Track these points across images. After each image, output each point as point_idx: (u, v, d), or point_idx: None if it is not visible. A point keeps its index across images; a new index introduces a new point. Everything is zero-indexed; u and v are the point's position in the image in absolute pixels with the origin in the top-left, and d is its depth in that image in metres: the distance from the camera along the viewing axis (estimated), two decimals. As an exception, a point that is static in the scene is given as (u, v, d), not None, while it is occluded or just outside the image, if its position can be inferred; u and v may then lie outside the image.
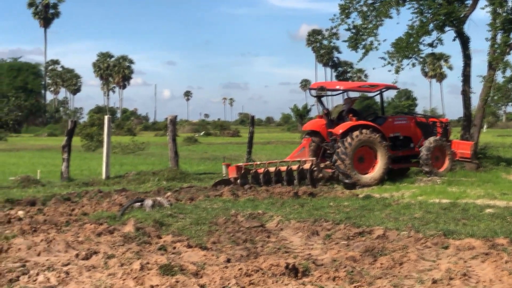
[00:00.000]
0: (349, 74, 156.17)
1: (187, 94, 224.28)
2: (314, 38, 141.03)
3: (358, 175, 18.42)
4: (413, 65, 23.92)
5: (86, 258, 8.44)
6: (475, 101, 24.13)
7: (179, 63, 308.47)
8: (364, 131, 18.55)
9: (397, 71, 23.14)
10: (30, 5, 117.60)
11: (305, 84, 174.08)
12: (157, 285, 6.91)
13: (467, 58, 23.64)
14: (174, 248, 9.24)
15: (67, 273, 7.40)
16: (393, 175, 19.45)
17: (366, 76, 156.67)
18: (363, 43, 23.21)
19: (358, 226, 11.05)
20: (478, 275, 7.72)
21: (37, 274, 7.37)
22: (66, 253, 8.89)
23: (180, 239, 9.85)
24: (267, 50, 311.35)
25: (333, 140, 19.02)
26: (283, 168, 18.69)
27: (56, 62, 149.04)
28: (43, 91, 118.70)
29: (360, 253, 8.78)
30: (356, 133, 18.42)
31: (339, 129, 18.77)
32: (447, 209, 13.18)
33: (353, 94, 21.57)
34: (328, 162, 18.97)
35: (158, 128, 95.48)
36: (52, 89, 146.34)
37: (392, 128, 20.01)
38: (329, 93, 20.87)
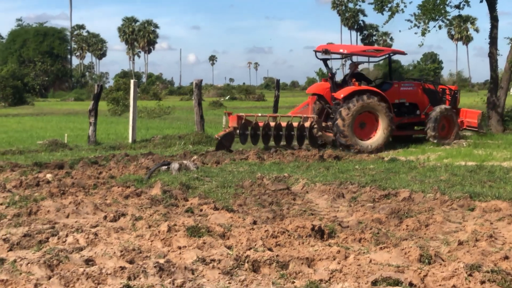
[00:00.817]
0: (374, 38, 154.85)
1: (212, 58, 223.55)
2: (340, 1, 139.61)
3: (356, 139, 18.31)
4: (440, 27, 23.74)
5: (114, 220, 8.55)
6: (502, 63, 23.91)
7: (203, 27, 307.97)
8: (365, 96, 18.35)
9: (423, 34, 22.96)
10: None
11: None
12: (185, 246, 6.99)
13: (494, 20, 23.36)
14: (201, 210, 9.33)
15: (95, 234, 7.50)
16: (398, 141, 19.41)
17: (392, 39, 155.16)
18: (389, 5, 22.97)
19: (384, 188, 11.06)
20: (504, 236, 7.73)
21: (66, 236, 7.48)
22: (94, 215, 9.02)
23: (207, 201, 9.93)
24: (292, 14, 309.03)
25: (336, 104, 18.89)
26: (284, 124, 18.59)
27: (81, 27, 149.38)
28: (69, 56, 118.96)
29: (386, 215, 8.81)
30: (357, 97, 18.27)
31: (341, 93, 18.71)
32: (473, 171, 13.13)
33: (361, 59, 21.44)
34: (329, 123, 18.78)
35: (184, 92, 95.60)
36: (77, 54, 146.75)
37: (398, 94, 19.73)
38: (333, 56, 20.65)
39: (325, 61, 20.37)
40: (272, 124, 18.70)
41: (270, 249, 6.77)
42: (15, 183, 11.92)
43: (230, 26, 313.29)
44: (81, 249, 6.92)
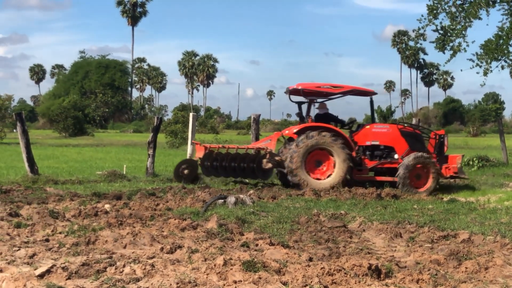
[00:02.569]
0: (435, 76, 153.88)
1: (270, 93, 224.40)
2: (400, 39, 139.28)
3: (307, 177, 17.77)
4: (502, 67, 23.38)
5: (171, 252, 8.60)
6: None
7: (262, 62, 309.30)
8: (316, 132, 17.87)
9: (485, 73, 22.65)
10: (119, 3, 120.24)
11: (389, 85, 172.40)
12: (240, 281, 6.98)
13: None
14: (257, 245, 9.30)
15: (152, 265, 7.54)
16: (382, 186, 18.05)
17: (452, 78, 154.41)
18: (451, 44, 22.77)
19: (443, 229, 10.88)
20: None
21: (124, 266, 7.54)
22: (151, 247, 9.07)
23: (262, 236, 9.91)
24: (351, 51, 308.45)
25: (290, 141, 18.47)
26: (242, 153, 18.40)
27: (142, 60, 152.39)
28: (129, 88, 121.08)
29: (445, 257, 8.64)
30: (309, 133, 17.84)
31: (294, 129, 18.43)
32: (535, 215, 12.82)
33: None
34: (283, 157, 18.09)
35: (241, 126, 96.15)
36: (138, 86, 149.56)
37: (369, 135, 18.74)
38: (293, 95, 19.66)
39: (298, 102, 19.74)
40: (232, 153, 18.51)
41: (326, 287, 6.71)
42: (74, 212, 12.11)
43: (289, 61, 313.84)
44: (138, 279, 6.96)
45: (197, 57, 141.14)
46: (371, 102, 19.65)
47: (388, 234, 10.61)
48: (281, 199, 15.01)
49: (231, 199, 13.55)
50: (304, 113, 19.63)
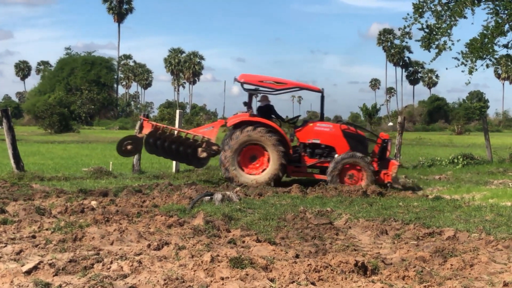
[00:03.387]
0: (420, 75, 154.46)
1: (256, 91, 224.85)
2: (385, 37, 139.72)
3: (240, 172, 17.80)
4: (487, 66, 23.59)
5: (158, 248, 8.62)
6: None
7: (248, 59, 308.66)
8: (251, 127, 17.82)
9: (470, 72, 22.85)
10: (105, 0, 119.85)
11: (374, 83, 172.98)
12: (227, 277, 7.01)
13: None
14: (243, 242, 9.33)
15: (139, 262, 7.56)
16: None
17: (437, 76, 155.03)
18: (436, 42, 22.96)
19: (428, 226, 10.95)
20: (552, 279, 7.57)
21: (111, 263, 7.55)
22: (138, 243, 9.09)
23: (249, 233, 9.94)
24: (336, 48, 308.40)
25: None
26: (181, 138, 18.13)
27: (128, 57, 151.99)
28: (115, 85, 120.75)
29: (430, 254, 8.71)
30: (243, 128, 17.82)
31: (231, 120, 18.40)
32: (520, 212, 12.92)
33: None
34: (220, 148, 17.99)
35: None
36: (124, 83, 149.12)
37: (311, 133, 18.58)
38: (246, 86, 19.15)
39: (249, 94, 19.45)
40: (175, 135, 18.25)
41: (313, 283, 6.75)
42: (60, 209, 12.11)
43: (275, 59, 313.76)
44: (125, 276, 6.98)
45: (183, 54, 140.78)
46: (322, 98, 19.19)
47: (374, 231, 10.67)
48: (267, 196, 15.03)
49: (218, 196, 13.57)
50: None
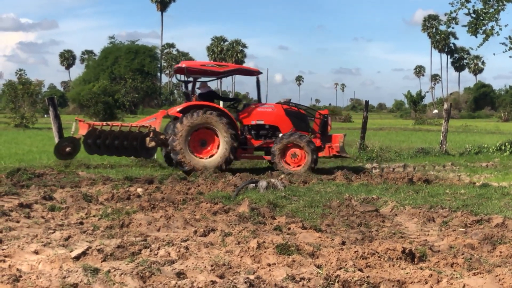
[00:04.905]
0: (465, 61, 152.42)
1: (299, 78, 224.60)
2: (430, 23, 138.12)
3: (191, 156, 17.61)
4: (536, 51, 23.12)
5: (204, 235, 8.65)
6: None
7: (291, 47, 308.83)
8: (201, 111, 17.67)
9: (517, 57, 22.43)
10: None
11: (419, 70, 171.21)
12: (274, 264, 6.99)
13: None
14: (289, 229, 9.32)
15: (186, 248, 7.59)
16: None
17: (483, 63, 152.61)
18: (483, 28, 22.59)
19: (476, 214, 10.79)
20: None
21: (158, 248, 7.60)
22: (185, 230, 9.13)
23: (294, 220, 9.91)
24: (380, 36, 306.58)
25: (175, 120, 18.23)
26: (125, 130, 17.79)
27: (171, 45, 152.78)
28: (158, 74, 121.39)
29: (479, 241, 8.59)
30: (193, 112, 17.66)
31: (177, 108, 18.31)
32: None
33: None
34: (166, 136, 17.87)
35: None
36: (167, 72, 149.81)
37: (254, 115, 18.77)
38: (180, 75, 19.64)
39: (184, 81, 19.58)
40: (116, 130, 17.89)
41: (360, 270, 6.70)
42: (107, 196, 12.23)
43: (318, 46, 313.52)
44: (172, 262, 7.01)
45: (226, 43, 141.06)
46: (257, 81, 19.45)
47: (421, 218, 10.56)
48: (312, 183, 14.99)
49: (263, 184, 13.57)
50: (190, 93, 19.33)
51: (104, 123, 18.34)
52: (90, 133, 17.38)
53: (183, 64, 18.77)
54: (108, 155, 18.20)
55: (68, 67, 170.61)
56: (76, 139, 17.60)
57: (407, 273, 6.62)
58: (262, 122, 18.83)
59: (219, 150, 17.86)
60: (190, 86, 19.35)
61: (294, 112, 19.10)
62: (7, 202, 11.23)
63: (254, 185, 13.70)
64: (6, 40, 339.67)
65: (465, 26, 23.05)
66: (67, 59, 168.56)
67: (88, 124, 17.71)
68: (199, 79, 19.50)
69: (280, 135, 18.37)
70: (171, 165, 18.54)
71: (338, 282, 6.17)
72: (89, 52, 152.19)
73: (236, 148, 18.04)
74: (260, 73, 19.58)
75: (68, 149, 17.56)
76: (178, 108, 18.42)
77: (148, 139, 17.48)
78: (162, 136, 17.78)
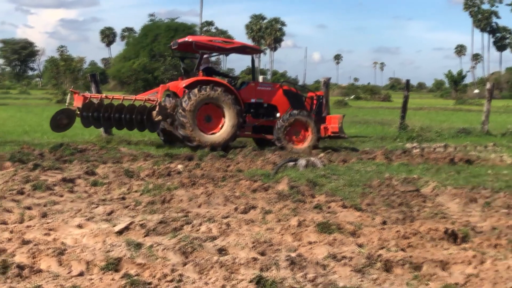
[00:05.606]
0: (507, 40, 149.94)
1: (337, 57, 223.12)
2: (472, 2, 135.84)
3: (198, 132, 17.39)
4: None
5: (245, 212, 8.68)
6: None
7: (330, 26, 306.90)
8: (208, 87, 17.48)
9: None
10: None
11: (460, 50, 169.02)
12: (315, 242, 7.00)
13: None
14: (329, 207, 9.29)
15: (227, 225, 7.63)
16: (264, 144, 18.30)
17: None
18: (528, 6, 22.15)
19: (519, 195, 10.65)
20: None
21: (200, 225, 7.65)
22: (225, 206, 9.17)
23: (334, 199, 9.88)
24: (420, 14, 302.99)
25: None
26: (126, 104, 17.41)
27: (210, 23, 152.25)
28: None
29: (522, 223, 8.48)
30: (200, 88, 17.48)
31: (184, 83, 18.04)
32: None
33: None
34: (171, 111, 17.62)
35: (308, 90, 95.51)
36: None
37: (254, 93, 18.59)
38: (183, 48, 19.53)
39: (181, 57, 19.57)
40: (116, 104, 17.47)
41: (403, 250, 6.67)
42: (148, 172, 12.31)
43: (357, 25, 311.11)
44: (214, 238, 7.06)
45: (265, 21, 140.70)
46: (253, 60, 19.53)
47: (463, 199, 10.44)
48: (351, 162, 14.92)
49: (302, 162, 13.55)
50: (191, 69, 19.30)
51: (104, 95, 18.25)
52: (86, 105, 17.09)
53: (190, 39, 18.79)
54: (107, 127, 18.36)
55: (108, 44, 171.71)
56: (71, 110, 17.28)
57: (450, 253, 6.59)
58: (261, 101, 18.79)
59: (225, 126, 17.82)
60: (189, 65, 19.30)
61: (291, 92, 19.18)
62: (50, 177, 11.39)
63: (293, 163, 13.69)
64: (48, 17, 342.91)
65: (509, 5, 22.73)
66: (108, 36, 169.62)
67: (83, 96, 17.38)
68: (206, 55, 19.37)
69: (278, 114, 18.49)
70: (167, 142, 18.52)
71: (380, 261, 6.16)
72: (129, 30, 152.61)
73: (242, 124, 18.10)
74: (262, 51, 19.65)
75: (64, 121, 17.24)
76: (185, 84, 18.19)
77: (154, 112, 17.27)
78: (168, 110, 17.65)
